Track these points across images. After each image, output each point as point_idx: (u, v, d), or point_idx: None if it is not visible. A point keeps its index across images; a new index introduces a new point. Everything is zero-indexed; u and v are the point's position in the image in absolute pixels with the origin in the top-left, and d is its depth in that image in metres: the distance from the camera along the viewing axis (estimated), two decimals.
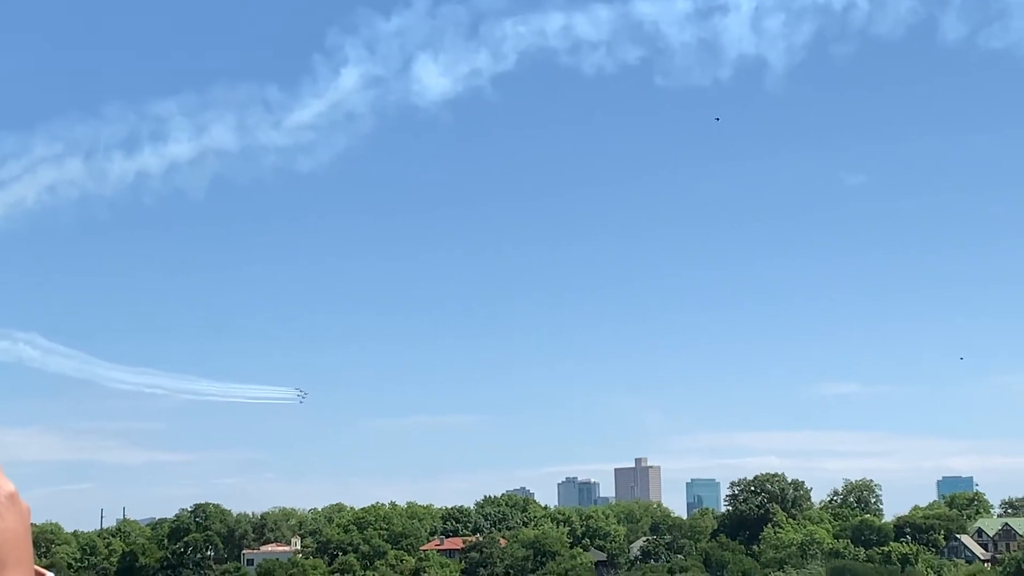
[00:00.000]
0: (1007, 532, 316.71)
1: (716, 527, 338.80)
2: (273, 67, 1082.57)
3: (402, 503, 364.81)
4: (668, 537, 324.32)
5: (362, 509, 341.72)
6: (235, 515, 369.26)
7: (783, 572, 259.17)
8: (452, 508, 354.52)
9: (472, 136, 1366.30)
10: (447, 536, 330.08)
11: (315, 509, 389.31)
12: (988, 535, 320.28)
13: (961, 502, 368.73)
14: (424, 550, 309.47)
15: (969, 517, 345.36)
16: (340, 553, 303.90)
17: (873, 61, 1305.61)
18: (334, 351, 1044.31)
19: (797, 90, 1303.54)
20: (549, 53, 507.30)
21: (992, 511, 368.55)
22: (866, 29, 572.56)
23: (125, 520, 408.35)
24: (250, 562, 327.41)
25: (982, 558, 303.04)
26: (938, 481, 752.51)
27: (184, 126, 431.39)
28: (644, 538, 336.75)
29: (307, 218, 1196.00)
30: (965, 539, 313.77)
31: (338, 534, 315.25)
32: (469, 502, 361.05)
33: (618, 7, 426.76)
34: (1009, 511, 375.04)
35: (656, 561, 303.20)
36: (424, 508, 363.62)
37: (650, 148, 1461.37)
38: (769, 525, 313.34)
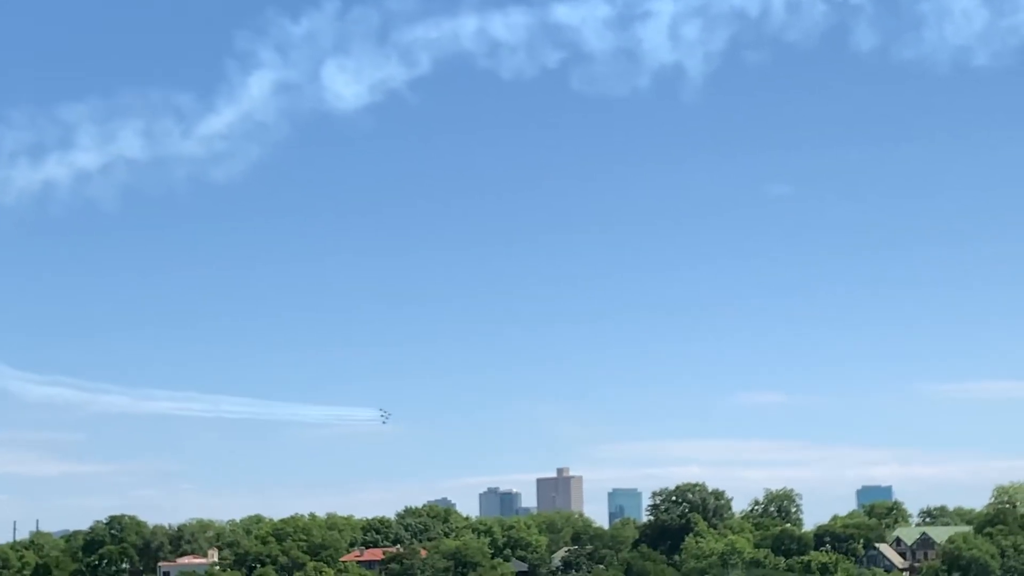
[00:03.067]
0: (925, 541, 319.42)
1: (638, 537, 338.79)
2: (182, 72, 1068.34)
3: (322, 514, 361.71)
4: (590, 547, 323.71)
5: (281, 520, 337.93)
6: (151, 527, 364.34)
7: None
8: (372, 519, 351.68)
9: (392, 142, 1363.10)
10: (367, 547, 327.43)
11: (233, 521, 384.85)
12: (906, 544, 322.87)
13: (880, 511, 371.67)
14: (344, 561, 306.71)
15: (888, 526, 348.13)
16: (258, 565, 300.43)
17: (787, 68, 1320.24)
18: (252, 358, 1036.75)
19: (715, 99, 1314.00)
20: (466, 57, 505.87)
21: (911, 520, 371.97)
22: (780, 36, 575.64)
23: (38, 532, 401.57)
24: (166, 574, 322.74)
25: (900, 567, 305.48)
26: (858, 490, 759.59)
27: (92, 133, 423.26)
28: (566, 548, 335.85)
29: (222, 228, 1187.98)
30: (884, 548, 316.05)
31: (256, 546, 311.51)
32: (390, 513, 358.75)
33: (536, 11, 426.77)
34: (927, 520, 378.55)
35: (577, 571, 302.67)
36: (344, 519, 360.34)
37: (569, 155, 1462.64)
38: (690, 535, 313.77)
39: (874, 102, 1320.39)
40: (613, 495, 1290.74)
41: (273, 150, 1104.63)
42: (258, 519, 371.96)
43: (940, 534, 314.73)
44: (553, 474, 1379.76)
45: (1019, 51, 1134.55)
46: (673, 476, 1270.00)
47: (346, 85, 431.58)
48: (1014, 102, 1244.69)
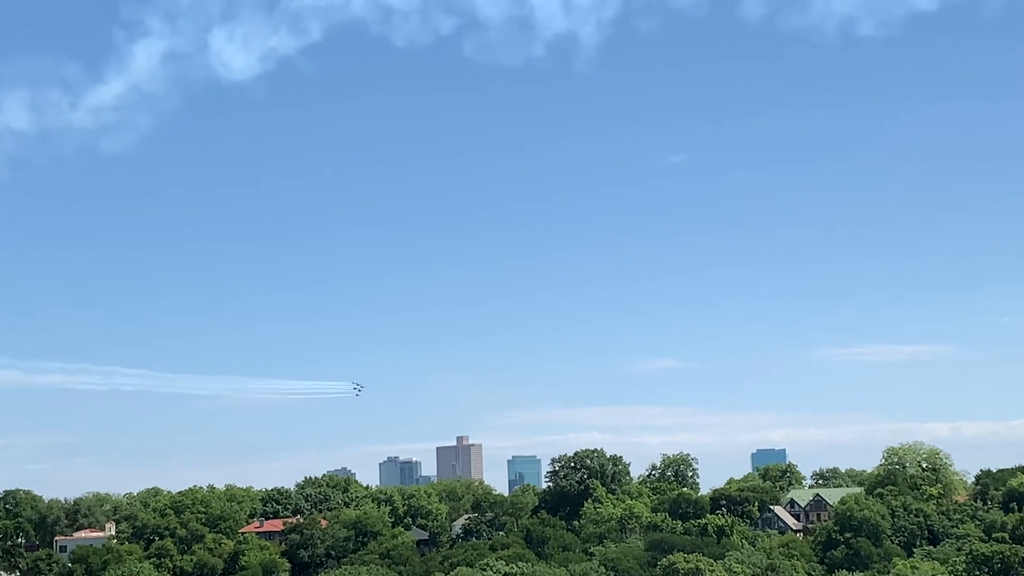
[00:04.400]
0: (818, 502, 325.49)
1: (537, 503, 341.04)
2: (69, 41, 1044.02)
3: (220, 486, 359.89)
4: (490, 514, 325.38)
5: (179, 493, 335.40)
6: (47, 501, 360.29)
7: (603, 546, 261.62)
8: (272, 490, 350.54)
9: (287, 110, 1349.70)
10: (267, 518, 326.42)
11: (130, 494, 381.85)
12: (800, 506, 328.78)
13: (774, 474, 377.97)
14: (243, 533, 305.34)
15: (782, 488, 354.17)
16: (156, 538, 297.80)
17: (678, 36, 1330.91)
18: (149, 330, 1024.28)
19: (609, 68, 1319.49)
20: (358, 24, 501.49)
21: (804, 482, 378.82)
22: (669, 3, 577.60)
23: None
24: (63, 549, 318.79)
25: (794, 528, 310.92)
26: (753, 454, 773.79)
27: None
28: (466, 516, 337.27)
29: (113, 199, 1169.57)
30: (778, 510, 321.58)
31: (154, 519, 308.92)
32: (289, 484, 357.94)
33: None
34: (820, 482, 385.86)
35: (478, 538, 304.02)
36: (243, 491, 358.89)
37: (463, 124, 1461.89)
38: (589, 500, 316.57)
39: (764, 71, 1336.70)
40: (513, 462, 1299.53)
41: (163, 120, 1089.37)
42: (156, 492, 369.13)
43: (832, 495, 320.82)
44: (453, 442, 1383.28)
45: (904, 21, 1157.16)
46: (572, 443, 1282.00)
47: (236, 54, 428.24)
48: (899, 71, 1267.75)
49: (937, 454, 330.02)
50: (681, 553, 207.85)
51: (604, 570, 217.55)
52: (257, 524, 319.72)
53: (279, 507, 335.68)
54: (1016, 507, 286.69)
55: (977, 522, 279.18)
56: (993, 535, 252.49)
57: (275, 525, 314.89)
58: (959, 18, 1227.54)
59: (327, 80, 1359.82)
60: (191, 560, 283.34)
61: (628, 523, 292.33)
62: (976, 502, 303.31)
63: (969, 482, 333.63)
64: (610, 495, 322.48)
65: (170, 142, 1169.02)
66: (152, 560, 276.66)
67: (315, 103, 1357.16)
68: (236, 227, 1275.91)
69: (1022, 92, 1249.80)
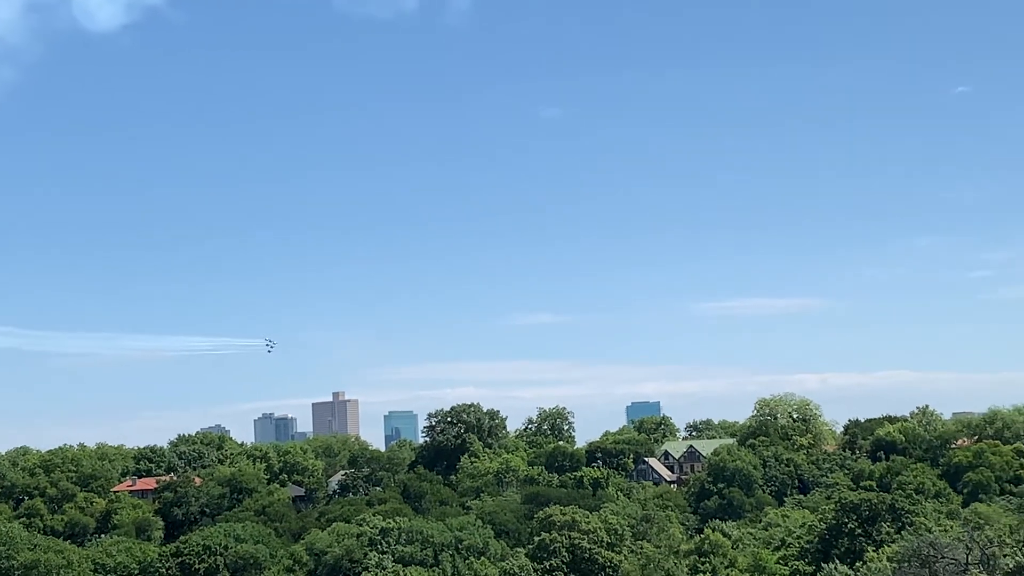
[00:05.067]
0: (692, 454, 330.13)
1: (414, 458, 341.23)
2: None
3: (92, 444, 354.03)
4: (366, 470, 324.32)
5: (48, 452, 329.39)
6: None
7: (480, 500, 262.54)
8: (144, 448, 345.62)
9: (158, 59, 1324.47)
10: (140, 477, 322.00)
11: None
12: (674, 457, 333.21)
13: (649, 426, 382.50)
14: (116, 491, 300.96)
15: (656, 441, 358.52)
16: (26, 497, 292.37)
17: None
18: (16, 286, 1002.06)
19: (482, 21, 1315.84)
20: None
21: (678, 434, 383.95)
22: None
23: None
24: None
25: (668, 479, 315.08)
26: (627, 407, 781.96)
27: None
28: (342, 472, 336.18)
29: None
30: (653, 462, 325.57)
31: (23, 478, 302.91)
32: (162, 442, 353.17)
33: None
34: (693, 434, 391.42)
35: (355, 494, 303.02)
36: (115, 449, 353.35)
37: (334, 78, 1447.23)
38: (466, 455, 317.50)
39: (637, 25, 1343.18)
40: (389, 418, 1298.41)
41: (27, 73, 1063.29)
42: (25, 451, 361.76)
43: (706, 447, 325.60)
44: (329, 398, 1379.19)
45: None
46: (448, 398, 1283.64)
47: (100, 5, 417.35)
48: (781, 23, 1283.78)
49: (807, 405, 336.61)
50: (557, 506, 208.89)
51: (481, 524, 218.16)
52: (130, 483, 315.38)
53: (152, 465, 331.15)
54: (883, 456, 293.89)
55: (846, 471, 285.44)
56: (861, 483, 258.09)
57: (148, 483, 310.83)
58: None
59: (198, 31, 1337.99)
60: (62, 519, 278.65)
61: (505, 477, 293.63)
62: (845, 451, 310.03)
63: (838, 432, 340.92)
64: (487, 449, 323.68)
65: (34, 94, 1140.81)
66: (22, 520, 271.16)
67: (183, 53, 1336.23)
68: (103, 182, 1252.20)
69: (878, 56, 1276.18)
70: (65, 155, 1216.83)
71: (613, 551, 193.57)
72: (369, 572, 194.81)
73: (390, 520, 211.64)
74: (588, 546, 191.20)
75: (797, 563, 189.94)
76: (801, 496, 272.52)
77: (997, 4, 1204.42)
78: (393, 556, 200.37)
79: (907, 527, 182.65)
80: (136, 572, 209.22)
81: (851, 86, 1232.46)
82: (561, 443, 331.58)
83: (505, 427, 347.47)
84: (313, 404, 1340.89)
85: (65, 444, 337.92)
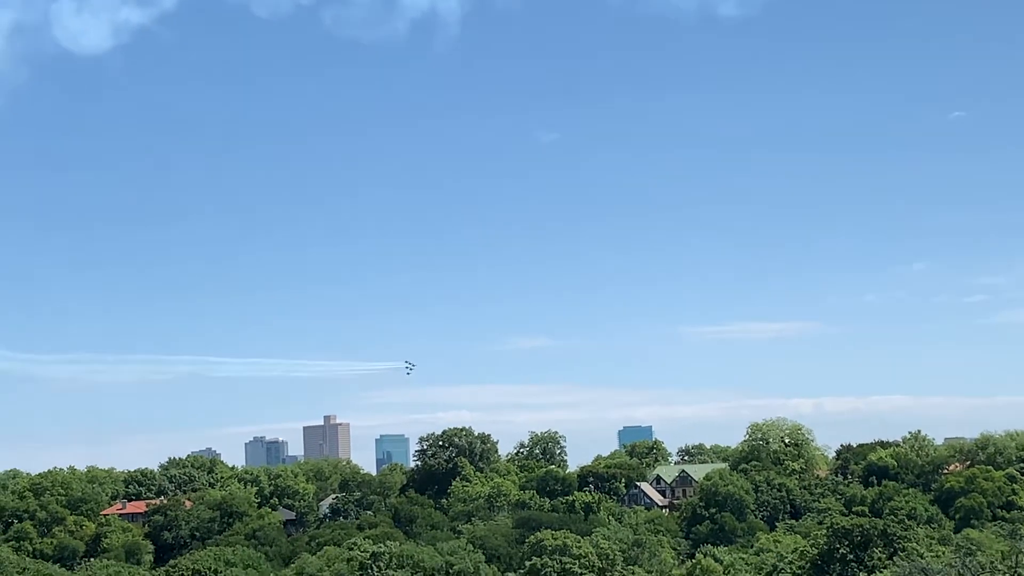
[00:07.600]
0: (683, 478, 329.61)
1: (405, 482, 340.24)
2: None
3: (82, 467, 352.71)
4: (358, 493, 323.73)
5: (38, 475, 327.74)
6: None
7: (471, 524, 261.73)
8: (135, 471, 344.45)
9: (147, 81, 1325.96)
10: (130, 500, 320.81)
11: None
12: (666, 482, 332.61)
13: (641, 451, 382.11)
14: (105, 515, 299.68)
15: (648, 465, 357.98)
16: (15, 520, 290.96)
17: (538, 19, 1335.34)
18: (3, 309, 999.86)
19: (472, 46, 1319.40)
20: None
21: (670, 459, 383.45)
22: None
23: None
24: None
25: (661, 504, 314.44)
26: (620, 431, 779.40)
27: None
28: (334, 495, 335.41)
29: None
30: (645, 486, 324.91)
31: (13, 501, 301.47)
32: (153, 464, 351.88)
33: None
34: (686, 458, 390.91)
35: (346, 518, 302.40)
36: (105, 472, 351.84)
37: (326, 102, 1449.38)
38: (457, 479, 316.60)
39: (627, 50, 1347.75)
40: (381, 441, 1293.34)
41: (12, 97, 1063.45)
42: (14, 474, 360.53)
43: (698, 471, 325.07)
44: (320, 422, 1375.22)
45: (765, 1, 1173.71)
46: (441, 421, 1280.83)
47: (85, 27, 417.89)
48: (760, 51, 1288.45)
49: (799, 429, 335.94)
50: (549, 530, 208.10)
51: (472, 548, 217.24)
52: (119, 506, 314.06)
53: (142, 488, 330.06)
54: (875, 481, 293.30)
55: (838, 496, 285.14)
56: (853, 508, 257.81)
57: (138, 507, 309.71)
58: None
59: (187, 52, 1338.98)
60: (51, 543, 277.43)
61: (496, 501, 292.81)
62: (837, 476, 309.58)
63: (830, 457, 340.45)
64: (478, 473, 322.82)
65: (20, 118, 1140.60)
66: (11, 543, 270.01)
67: (173, 74, 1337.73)
68: (95, 209, 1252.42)
69: (874, 84, 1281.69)
70: (53, 181, 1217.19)
71: None
72: None
73: (381, 544, 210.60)
74: (579, 571, 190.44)
75: None
76: (793, 521, 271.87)
77: (993, 28, 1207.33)
78: None
79: (899, 553, 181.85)
80: None
81: (847, 110, 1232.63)
82: (553, 467, 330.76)
83: (497, 451, 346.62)
84: (304, 427, 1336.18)
85: (55, 467, 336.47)
